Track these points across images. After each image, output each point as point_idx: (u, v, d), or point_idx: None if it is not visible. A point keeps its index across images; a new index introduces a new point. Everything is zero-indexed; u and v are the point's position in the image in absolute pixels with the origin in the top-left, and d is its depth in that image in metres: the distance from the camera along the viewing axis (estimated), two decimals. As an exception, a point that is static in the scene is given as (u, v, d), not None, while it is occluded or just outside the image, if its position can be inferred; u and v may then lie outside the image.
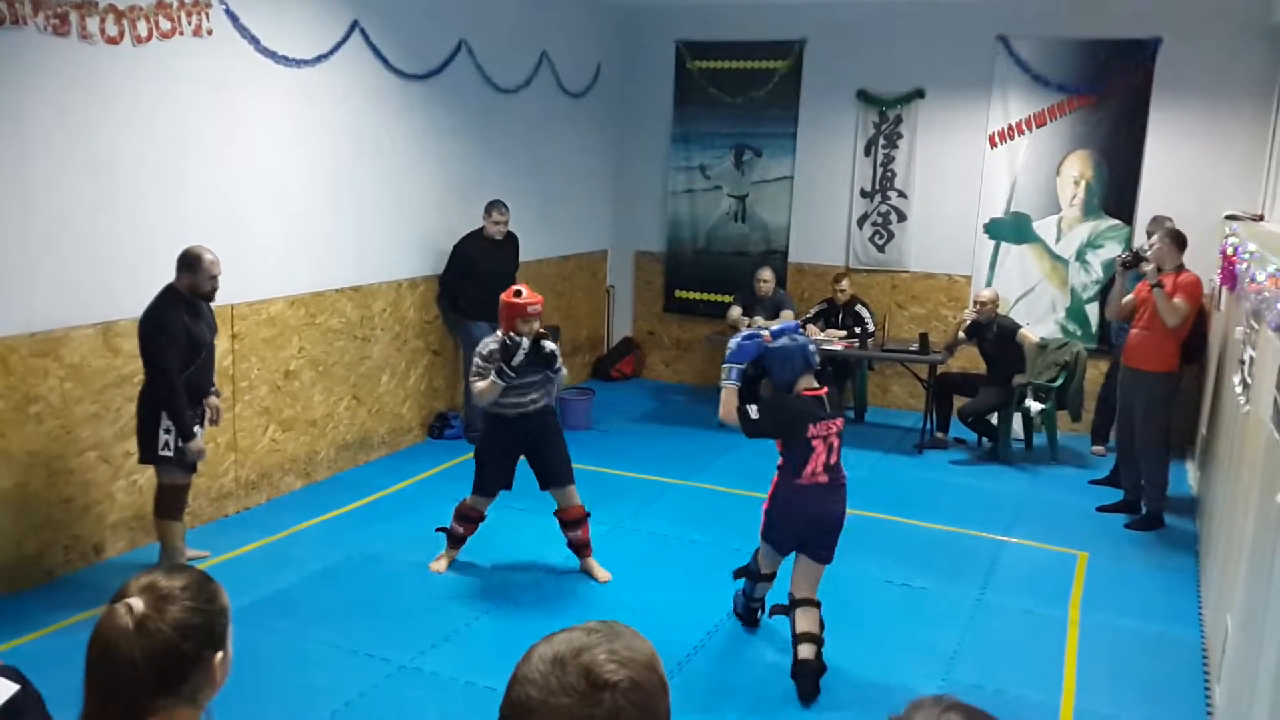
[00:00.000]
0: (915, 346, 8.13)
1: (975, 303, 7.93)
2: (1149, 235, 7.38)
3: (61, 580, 5.13)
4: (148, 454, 4.98)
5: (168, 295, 4.92)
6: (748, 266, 9.22)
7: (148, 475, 5.53)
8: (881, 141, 9.07)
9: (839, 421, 4.48)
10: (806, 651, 4.35)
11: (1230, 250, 5.95)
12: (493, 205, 7.63)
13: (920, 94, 8.87)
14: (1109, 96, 8.26)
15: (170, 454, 4.95)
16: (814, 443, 4.37)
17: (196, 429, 5.00)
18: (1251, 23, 7.63)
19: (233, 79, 5.81)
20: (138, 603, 1.57)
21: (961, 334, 7.97)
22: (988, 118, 8.63)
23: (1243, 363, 4.77)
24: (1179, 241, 6.27)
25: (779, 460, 4.51)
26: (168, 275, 5.51)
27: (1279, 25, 7.37)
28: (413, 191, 7.40)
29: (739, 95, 9.50)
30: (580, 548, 5.52)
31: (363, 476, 6.95)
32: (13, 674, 1.78)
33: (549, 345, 5.22)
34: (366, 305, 7.03)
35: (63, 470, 5.12)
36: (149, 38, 5.29)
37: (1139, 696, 4.43)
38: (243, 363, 6.08)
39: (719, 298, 9.60)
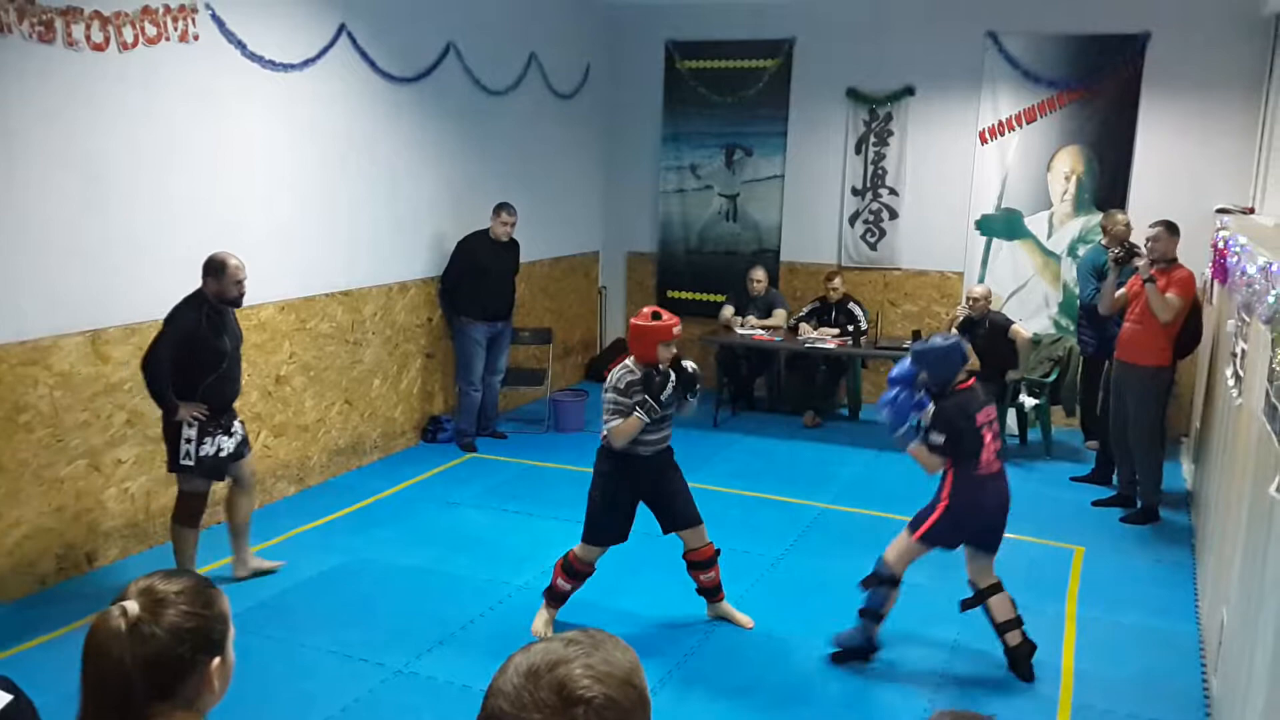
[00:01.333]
0: (908, 344, 8.11)
1: (968, 299, 7.93)
2: (1104, 230, 7.39)
3: (54, 589, 5.11)
4: (171, 462, 5.02)
5: (192, 299, 4.93)
6: (740, 266, 9.22)
7: (140, 483, 5.52)
8: (872, 139, 9.07)
9: (992, 407, 4.56)
10: (1015, 638, 4.54)
11: (1221, 243, 5.96)
12: (501, 206, 7.63)
13: (910, 91, 8.87)
14: (1099, 91, 8.27)
15: (191, 463, 4.96)
16: (983, 431, 4.43)
17: (221, 438, 5.02)
18: (1240, 16, 7.64)
19: (220, 84, 5.79)
20: (133, 606, 1.56)
21: (954, 331, 7.96)
22: (978, 114, 8.64)
23: (1235, 355, 4.77)
24: (1177, 232, 6.27)
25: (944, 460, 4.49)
26: (156, 282, 5.51)
27: (1268, 18, 7.39)
28: (402, 195, 7.38)
29: (729, 95, 9.49)
30: (712, 591, 5.00)
31: (356, 481, 6.92)
32: (6, 684, 1.77)
33: (690, 365, 4.78)
34: (357, 309, 7.00)
35: (53, 479, 5.10)
36: (135, 44, 5.26)
37: (1136, 689, 4.43)
38: (234, 369, 6.06)
39: (711, 297, 9.59)
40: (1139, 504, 6.55)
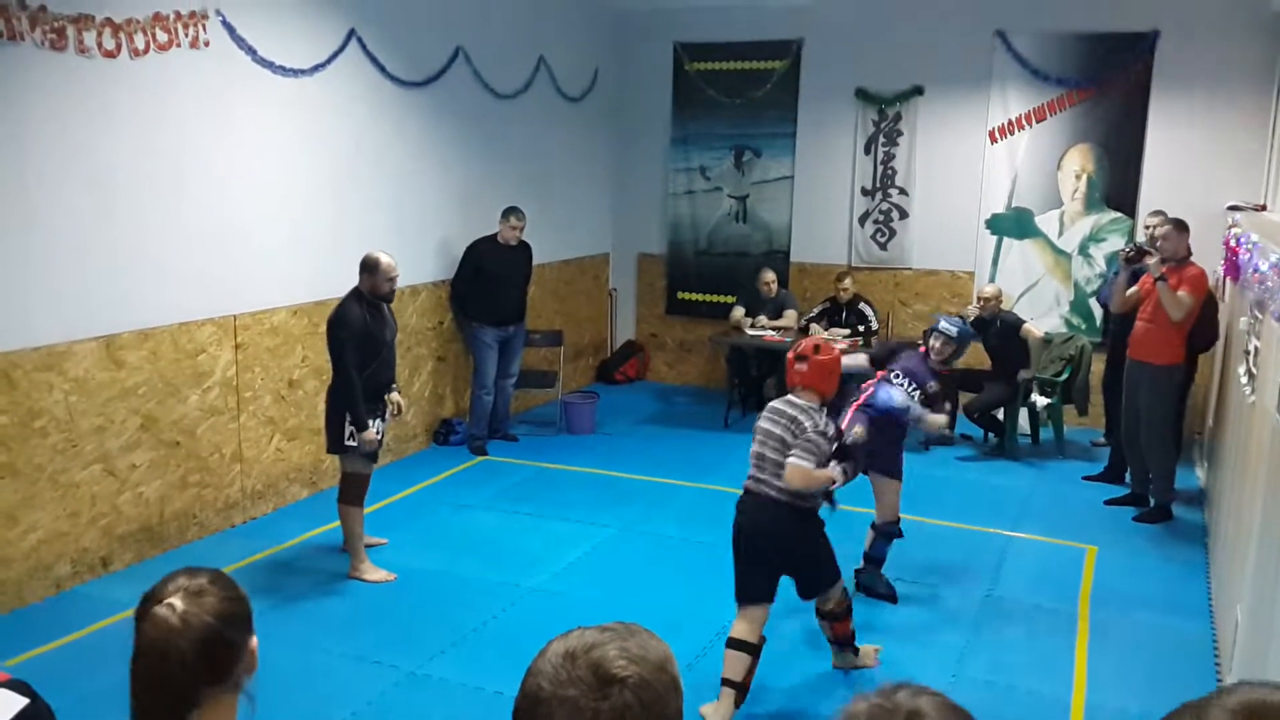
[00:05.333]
0: (919, 343, 8.10)
1: (978, 299, 7.92)
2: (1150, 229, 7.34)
3: (69, 593, 5.14)
4: (334, 445, 5.38)
5: (351, 296, 5.31)
6: (750, 267, 9.22)
7: (154, 487, 5.56)
8: (881, 139, 9.06)
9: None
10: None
11: (1233, 241, 5.94)
12: (510, 211, 7.65)
13: (919, 91, 8.86)
14: (1109, 90, 8.25)
15: (355, 444, 5.30)
16: None
17: (378, 422, 5.36)
18: (1250, 13, 7.62)
19: (231, 90, 5.82)
20: (178, 602, 1.62)
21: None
22: (987, 113, 8.62)
23: (1248, 353, 4.75)
24: (1186, 230, 6.25)
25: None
26: (169, 286, 5.55)
27: (1277, 15, 7.37)
28: (412, 199, 7.41)
29: (737, 96, 9.49)
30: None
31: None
32: (22, 688, 1.78)
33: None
34: (369, 313, 7.02)
35: (69, 483, 5.13)
36: (146, 50, 5.30)
37: (1150, 689, 4.41)
38: (246, 373, 6.09)
39: (722, 299, 9.59)
40: (1152, 503, 6.53)
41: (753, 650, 4.11)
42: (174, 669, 1.60)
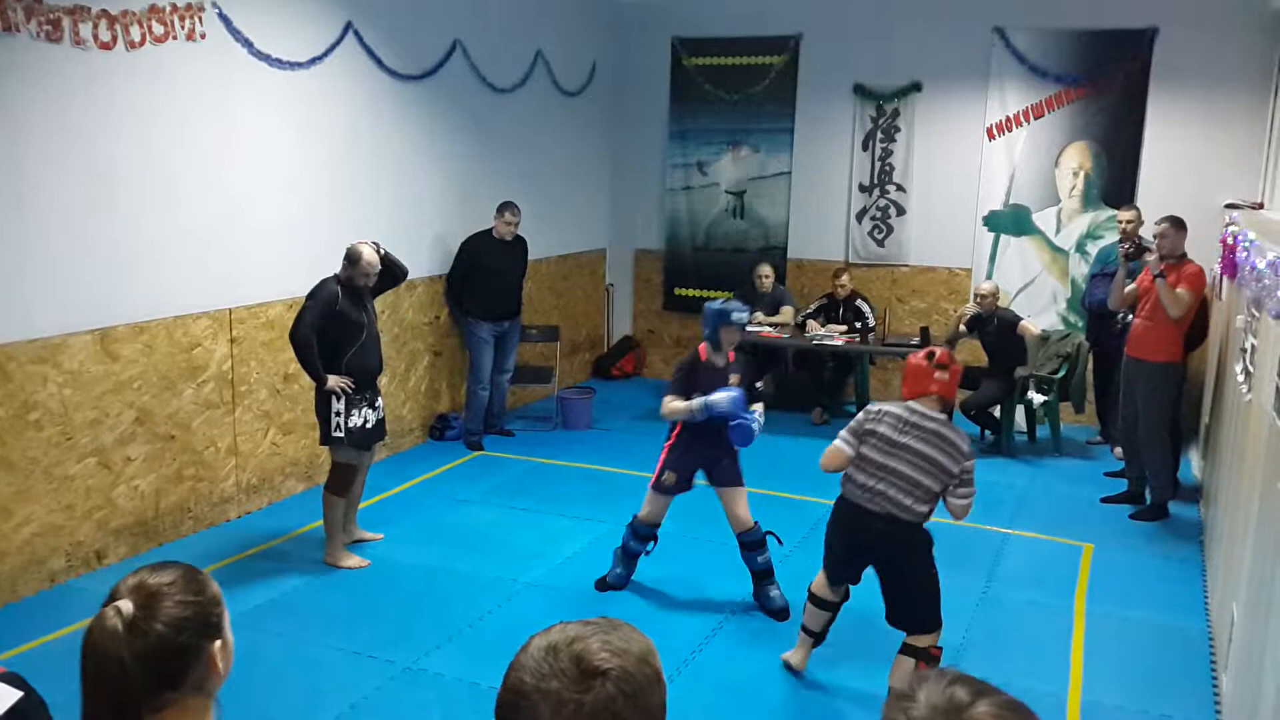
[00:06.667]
0: (916, 340, 8.11)
1: (976, 296, 7.91)
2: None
3: (64, 586, 5.12)
4: (323, 436, 5.45)
5: (330, 278, 5.39)
6: (747, 263, 9.21)
7: (149, 481, 5.54)
8: (879, 135, 9.05)
9: None
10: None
11: (1230, 239, 5.94)
12: (505, 206, 7.63)
13: (917, 87, 8.85)
14: (1107, 87, 8.24)
15: (341, 435, 5.38)
16: None
17: (365, 410, 5.42)
18: (1248, 11, 7.62)
19: (227, 83, 5.79)
20: (127, 605, 1.58)
21: (963, 327, 7.95)
22: (985, 110, 8.62)
23: (1244, 351, 4.75)
24: (1184, 228, 6.26)
25: None
26: (164, 280, 5.54)
27: (1276, 13, 7.36)
28: (409, 193, 7.39)
29: (735, 91, 9.48)
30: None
31: (364, 479, 6.93)
32: (16, 680, 1.77)
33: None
34: (365, 307, 7.00)
35: (63, 477, 5.11)
36: (142, 42, 5.27)
37: (1146, 687, 4.42)
38: (242, 366, 6.07)
39: (718, 295, 9.55)
40: (1148, 500, 6.53)
41: (832, 608, 4.42)
42: (114, 674, 1.55)
